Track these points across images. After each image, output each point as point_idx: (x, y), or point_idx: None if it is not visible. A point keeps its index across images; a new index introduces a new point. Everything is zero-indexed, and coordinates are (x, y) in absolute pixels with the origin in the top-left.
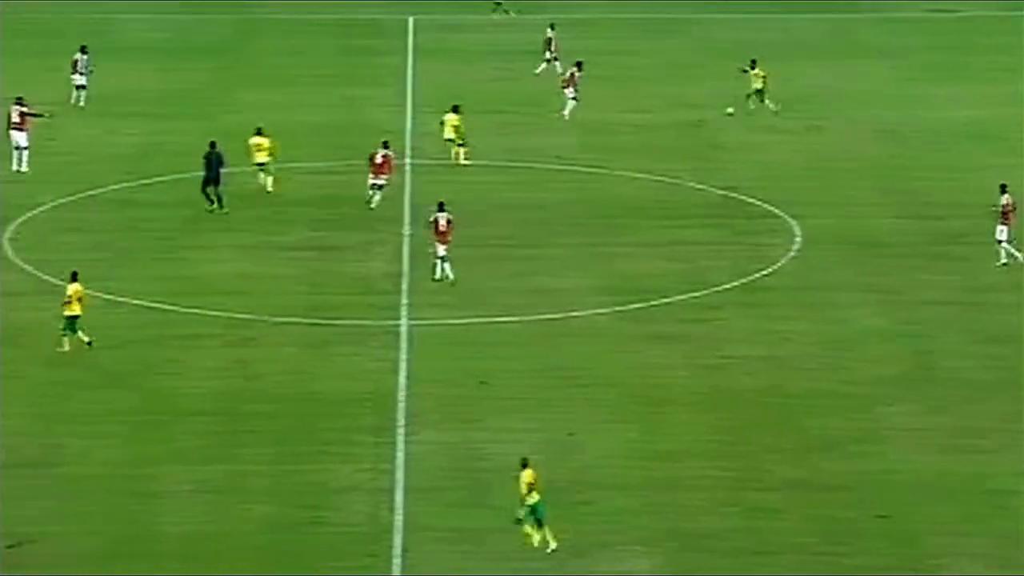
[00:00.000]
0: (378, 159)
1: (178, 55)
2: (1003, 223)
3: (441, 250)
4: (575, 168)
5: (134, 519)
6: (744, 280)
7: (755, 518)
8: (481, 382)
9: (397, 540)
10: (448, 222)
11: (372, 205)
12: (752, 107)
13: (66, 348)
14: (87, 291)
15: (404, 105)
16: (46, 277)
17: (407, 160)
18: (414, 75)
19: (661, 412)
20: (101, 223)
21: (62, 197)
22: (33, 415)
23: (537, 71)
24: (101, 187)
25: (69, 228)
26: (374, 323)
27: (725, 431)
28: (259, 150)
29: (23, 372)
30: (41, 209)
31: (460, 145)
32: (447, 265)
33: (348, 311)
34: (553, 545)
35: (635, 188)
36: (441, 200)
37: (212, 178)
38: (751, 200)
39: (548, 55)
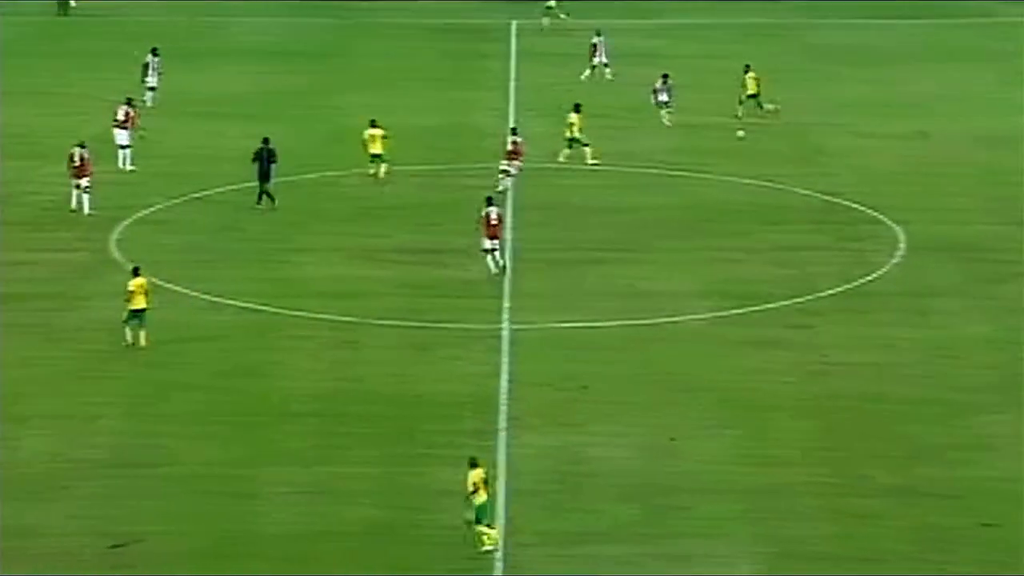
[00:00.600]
0: (508, 146)
1: (283, 58)
2: None
3: (488, 244)
4: (678, 172)
5: (235, 520)
6: (847, 286)
7: (858, 525)
8: (582, 386)
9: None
10: (499, 217)
11: (499, 189)
12: (741, 114)
13: (130, 340)
14: (193, 291)
15: (506, 108)
16: (150, 278)
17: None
18: (517, 78)
19: (763, 417)
20: (206, 225)
21: (169, 199)
22: (136, 415)
23: (583, 77)
24: (207, 189)
25: (175, 230)
26: (476, 326)
27: (827, 437)
28: (374, 142)
29: (127, 373)
30: (148, 211)
31: (584, 145)
32: (497, 254)
33: (450, 314)
34: (488, 547)
35: (738, 192)
36: (489, 196)
37: (263, 174)
38: (855, 205)
39: (595, 60)
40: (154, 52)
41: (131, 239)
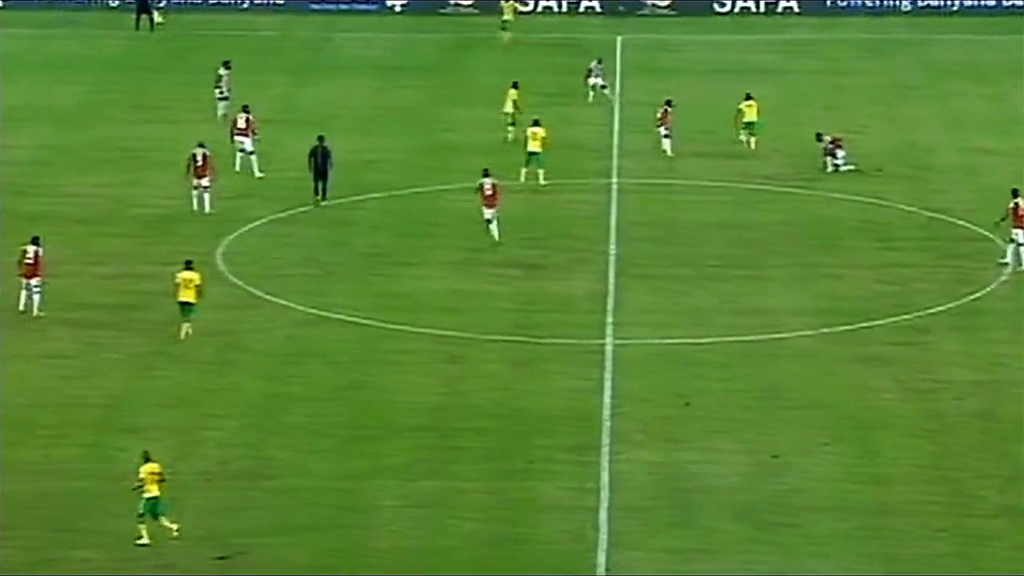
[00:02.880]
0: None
1: (393, 72)
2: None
3: (488, 213)
4: (785, 188)
5: (344, 533)
6: (954, 303)
7: (969, 544)
8: (685, 402)
9: (601, 559)
10: (493, 187)
11: None
12: (742, 139)
13: (183, 336)
14: (301, 305)
15: (611, 124)
16: (257, 292)
17: (614, 179)
18: (622, 94)
19: (870, 435)
20: (313, 238)
21: (275, 212)
22: (245, 427)
23: (589, 100)
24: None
25: (281, 243)
26: (580, 342)
27: (936, 456)
28: (535, 139)
29: (235, 385)
30: (254, 224)
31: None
32: (493, 226)
33: (554, 329)
34: (175, 530)
35: (845, 209)
36: (486, 168)
37: (319, 172)
38: (962, 223)
39: (591, 82)
40: (226, 65)
41: (238, 252)
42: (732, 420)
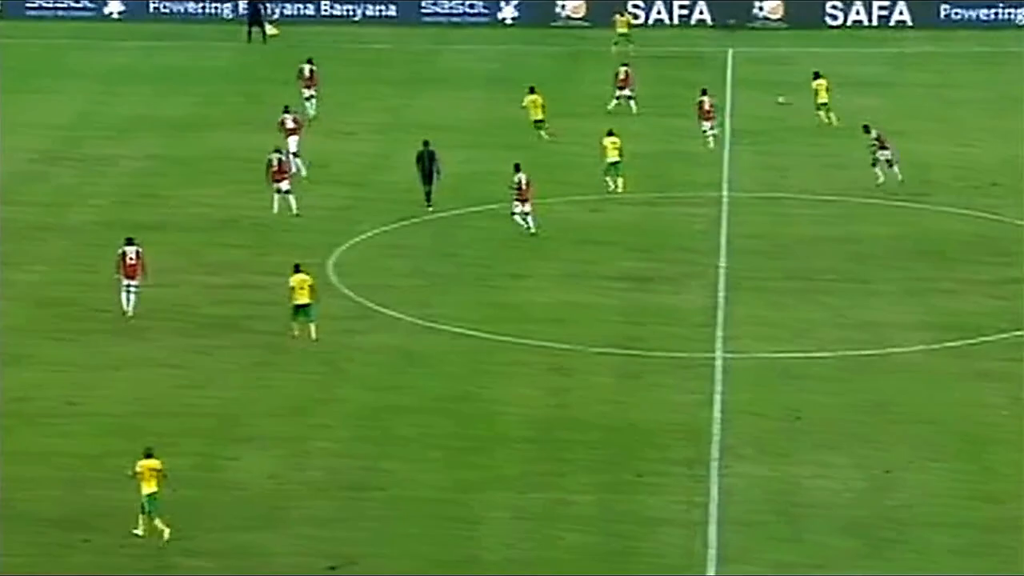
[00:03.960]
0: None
1: (503, 85)
2: None
3: (519, 208)
4: (895, 203)
5: (453, 544)
6: None
7: None
8: (796, 416)
9: (710, 572)
10: (527, 183)
11: None
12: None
13: (296, 334)
14: (410, 316)
15: (722, 136)
16: (367, 303)
17: (724, 192)
18: (732, 107)
19: (983, 451)
20: (422, 249)
21: (385, 224)
22: (355, 438)
23: (609, 108)
24: (422, 214)
25: (391, 254)
26: (689, 355)
27: None
28: (614, 148)
29: (345, 396)
30: (364, 236)
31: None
32: (529, 218)
33: (663, 342)
34: (166, 534)
35: (956, 223)
36: (517, 162)
37: (427, 175)
38: None
39: (620, 93)
40: (309, 62)
41: (348, 262)
42: (843, 435)
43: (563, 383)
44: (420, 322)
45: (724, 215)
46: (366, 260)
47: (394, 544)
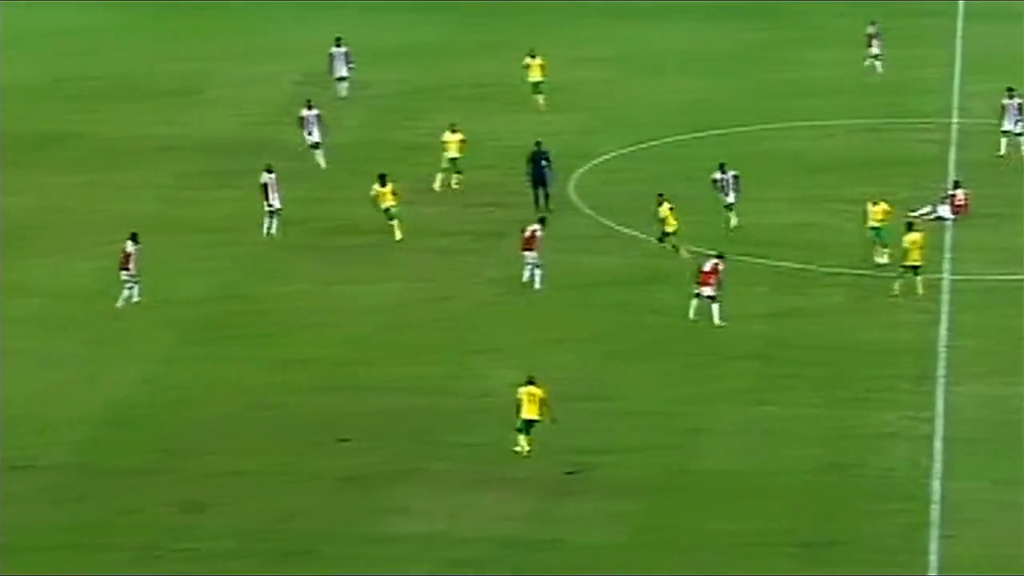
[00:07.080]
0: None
1: (730, 14)
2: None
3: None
4: None
5: (680, 454)
6: None
7: None
8: (1021, 337)
9: (935, 487)
10: (532, 233)
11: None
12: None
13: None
14: (650, 236)
15: (952, 66)
16: (607, 222)
17: (954, 119)
18: (963, 37)
19: None
20: (655, 173)
21: (621, 148)
22: (588, 353)
23: (866, 64)
24: (655, 139)
25: (626, 177)
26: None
27: None
28: None
29: (585, 314)
30: (602, 159)
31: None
32: (537, 271)
33: (892, 266)
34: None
35: None
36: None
37: (538, 179)
38: None
39: (871, 51)
40: (337, 43)
41: (588, 184)
42: None
43: (794, 302)
44: (656, 242)
45: (953, 142)
46: (604, 182)
47: (625, 452)
